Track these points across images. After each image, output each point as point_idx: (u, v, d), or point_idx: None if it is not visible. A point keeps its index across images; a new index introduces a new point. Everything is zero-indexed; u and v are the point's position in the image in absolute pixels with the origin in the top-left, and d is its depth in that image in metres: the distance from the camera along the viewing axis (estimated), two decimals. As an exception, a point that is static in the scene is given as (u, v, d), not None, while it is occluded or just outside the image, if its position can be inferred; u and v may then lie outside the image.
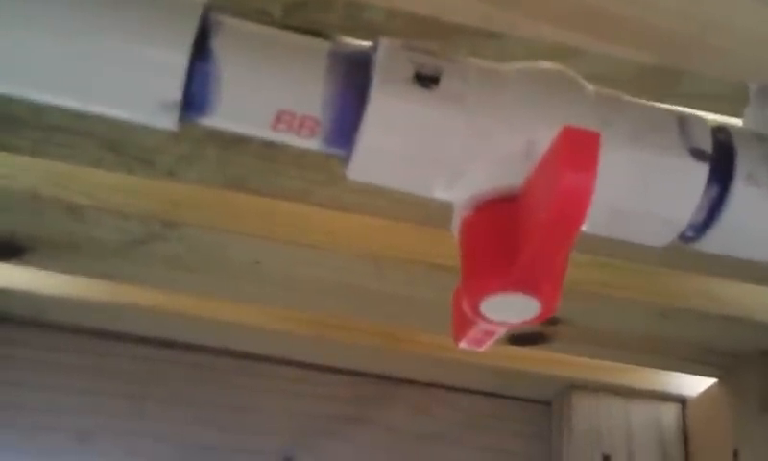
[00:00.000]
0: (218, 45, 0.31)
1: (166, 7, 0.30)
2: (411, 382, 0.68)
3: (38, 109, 0.44)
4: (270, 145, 0.47)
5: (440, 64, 0.32)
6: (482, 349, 0.35)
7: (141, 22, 0.30)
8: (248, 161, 0.47)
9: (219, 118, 0.32)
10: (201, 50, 0.30)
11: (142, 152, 0.47)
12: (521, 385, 0.69)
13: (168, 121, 0.31)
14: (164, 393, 0.64)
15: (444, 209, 0.51)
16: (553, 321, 0.58)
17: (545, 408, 0.70)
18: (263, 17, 0.43)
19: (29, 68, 0.30)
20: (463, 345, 0.34)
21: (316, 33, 0.44)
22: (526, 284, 0.30)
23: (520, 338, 0.61)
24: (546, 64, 0.34)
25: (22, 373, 0.62)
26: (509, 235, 0.30)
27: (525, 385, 0.69)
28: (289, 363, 0.66)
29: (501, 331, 0.33)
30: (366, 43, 0.33)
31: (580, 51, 0.40)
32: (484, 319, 0.31)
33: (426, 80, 0.31)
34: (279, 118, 0.31)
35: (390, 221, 0.52)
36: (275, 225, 0.52)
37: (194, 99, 0.31)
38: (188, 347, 0.65)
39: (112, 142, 0.46)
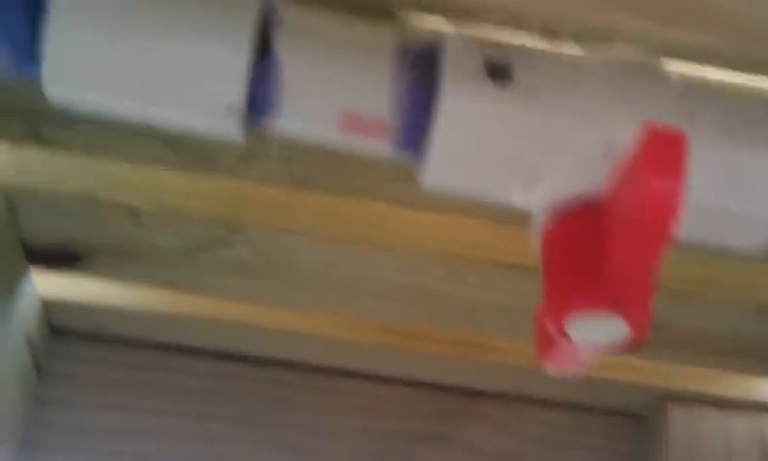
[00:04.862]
0: (280, 43, 0.30)
1: (224, 3, 0.29)
2: (489, 395, 0.65)
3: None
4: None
5: (511, 58, 0.30)
6: (569, 373, 0.33)
7: (200, 22, 0.29)
8: (313, 157, 0.45)
9: (284, 121, 0.31)
10: (262, 49, 0.29)
11: (203, 149, 0.45)
12: (609, 396, 0.65)
13: (232, 126, 0.30)
14: (229, 411, 0.62)
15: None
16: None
17: (636, 421, 0.66)
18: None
19: (90, 72, 0.29)
20: (548, 367, 0.33)
21: (379, 10, 0.42)
22: (613, 302, 0.28)
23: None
24: (624, 50, 0.32)
25: (78, 391, 0.60)
26: (593, 248, 0.29)
27: (613, 396, 0.65)
28: (360, 376, 0.64)
29: (588, 355, 0.31)
30: (434, 28, 0.32)
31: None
32: (569, 340, 0.29)
33: (498, 75, 0.30)
34: (347, 120, 0.30)
35: (464, 217, 0.49)
36: (343, 224, 0.50)
37: (258, 101, 0.30)
38: (254, 360, 0.63)
39: (172, 139, 0.44)
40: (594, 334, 0.29)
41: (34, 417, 0.58)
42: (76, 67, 0.29)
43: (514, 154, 0.30)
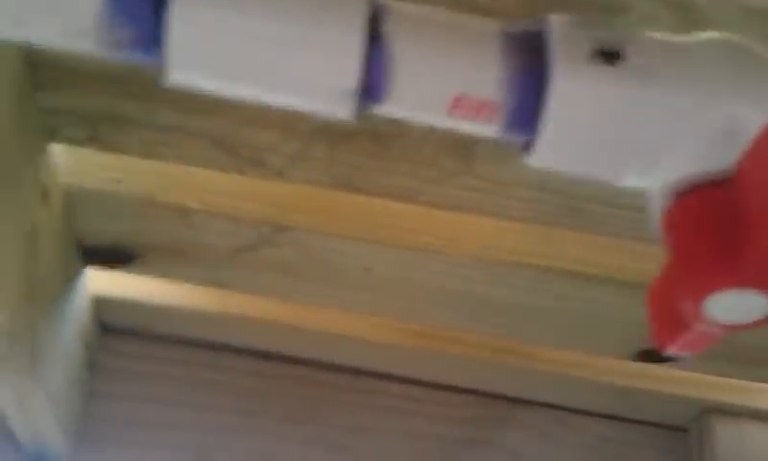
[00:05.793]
0: (390, 29, 0.30)
1: None
2: (531, 403, 0.65)
3: (148, 108, 0.44)
4: (379, 140, 0.46)
5: (619, 38, 0.30)
6: (695, 353, 0.32)
7: (316, 8, 0.29)
8: (356, 159, 0.46)
9: (394, 105, 0.31)
10: (373, 34, 0.29)
11: (253, 151, 0.46)
12: (653, 409, 0.64)
13: (345, 110, 0.30)
14: (274, 409, 0.62)
15: (566, 207, 0.48)
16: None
17: (681, 435, 0.65)
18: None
19: (210, 56, 0.30)
20: (673, 350, 0.31)
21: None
22: (759, 279, 0.27)
23: (650, 355, 0.57)
24: (723, 35, 0.31)
25: (128, 386, 0.61)
26: (727, 224, 0.28)
27: (657, 409, 0.64)
28: (402, 380, 0.64)
29: (721, 334, 0.30)
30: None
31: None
32: (706, 320, 0.29)
33: (609, 55, 0.29)
34: (457, 103, 0.30)
35: (507, 221, 0.49)
36: (385, 227, 0.50)
37: (369, 86, 0.30)
38: (297, 361, 0.63)
39: (224, 141, 0.45)
40: (733, 312, 0.28)
41: (86, 410, 0.60)
42: (196, 51, 0.29)
43: (629, 135, 0.30)
